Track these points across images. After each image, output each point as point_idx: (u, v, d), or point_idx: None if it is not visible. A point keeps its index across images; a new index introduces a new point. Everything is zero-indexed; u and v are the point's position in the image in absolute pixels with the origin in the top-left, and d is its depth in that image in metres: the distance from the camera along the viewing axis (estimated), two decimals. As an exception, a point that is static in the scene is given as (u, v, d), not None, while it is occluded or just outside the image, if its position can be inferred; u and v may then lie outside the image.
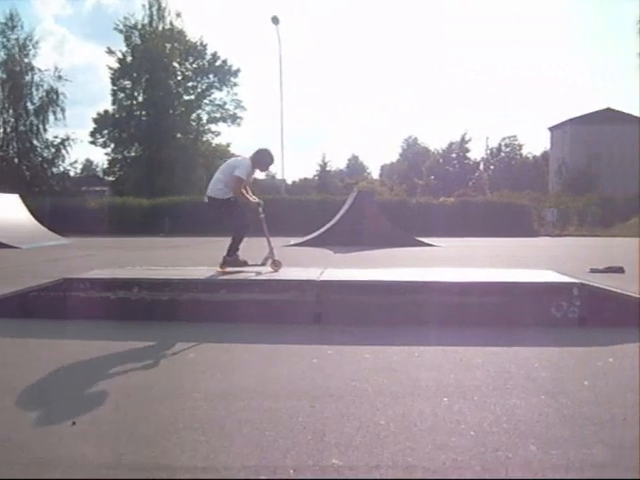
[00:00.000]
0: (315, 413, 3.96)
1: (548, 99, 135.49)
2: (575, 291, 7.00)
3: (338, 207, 27.09)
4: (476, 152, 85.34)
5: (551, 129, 76.93)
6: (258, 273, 8.02)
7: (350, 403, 4.19)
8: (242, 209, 8.65)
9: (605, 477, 2.97)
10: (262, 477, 3.04)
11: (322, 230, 25.16)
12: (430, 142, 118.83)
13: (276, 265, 8.52)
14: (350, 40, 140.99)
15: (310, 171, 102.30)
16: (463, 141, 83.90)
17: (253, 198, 8.76)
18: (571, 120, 70.72)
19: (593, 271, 12.73)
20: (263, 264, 8.59)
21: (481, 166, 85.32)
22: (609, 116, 67.23)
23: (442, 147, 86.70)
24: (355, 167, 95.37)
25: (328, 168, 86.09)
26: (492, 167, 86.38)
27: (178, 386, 4.67)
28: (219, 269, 8.44)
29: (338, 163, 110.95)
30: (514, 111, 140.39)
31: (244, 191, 8.61)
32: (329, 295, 7.18)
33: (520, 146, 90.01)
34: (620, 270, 13.05)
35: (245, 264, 8.67)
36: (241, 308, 7.10)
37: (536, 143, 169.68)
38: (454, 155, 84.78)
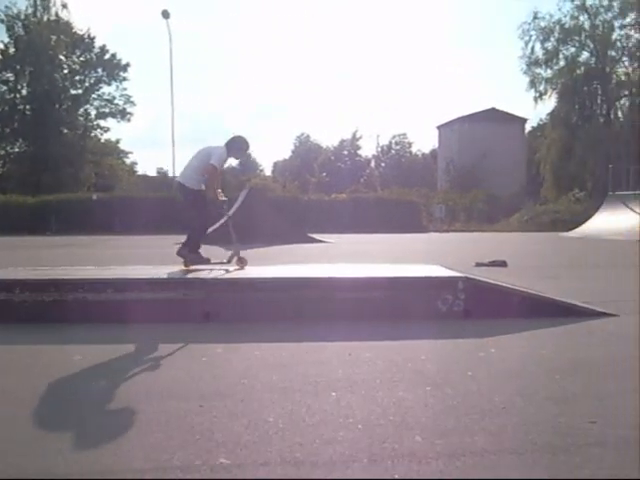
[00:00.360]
0: (204, 413, 3.92)
1: (437, 98, 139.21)
2: (460, 285, 7.21)
3: (230, 204, 26.91)
4: (367, 149, 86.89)
5: (439, 127, 79.00)
6: (226, 271, 7.95)
7: (239, 401, 4.16)
8: (207, 205, 8.48)
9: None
10: (147, 477, 2.99)
11: (213, 228, 24.91)
12: (322, 139, 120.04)
13: (242, 262, 8.51)
14: (241, 34, 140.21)
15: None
16: (354, 138, 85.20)
17: (220, 195, 8.59)
18: (458, 119, 72.85)
19: (478, 265, 13.18)
20: (229, 261, 8.52)
21: (372, 163, 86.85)
22: (494, 116, 69.67)
23: (334, 144, 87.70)
24: (247, 164, 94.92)
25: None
26: (383, 164, 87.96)
27: (62, 389, 4.54)
28: (184, 267, 8.25)
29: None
30: (404, 109, 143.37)
31: (215, 184, 8.48)
32: (218, 293, 7.13)
33: (410, 144, 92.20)
34: (503, 264, 13.58)
35: (208, 261, 8.53)
36: (129, 308, 6.92)
37: (425, 141, 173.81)
38: (346, 152, 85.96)
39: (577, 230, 31.16)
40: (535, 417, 3.87)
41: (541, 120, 63.21)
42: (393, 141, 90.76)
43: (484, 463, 3.17)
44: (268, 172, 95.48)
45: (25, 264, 11.16)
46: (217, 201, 8.57)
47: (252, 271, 8.49)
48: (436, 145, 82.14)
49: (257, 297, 7.14)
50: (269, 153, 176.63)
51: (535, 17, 47.47)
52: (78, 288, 7.05)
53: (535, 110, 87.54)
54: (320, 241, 23.56)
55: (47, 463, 3.16)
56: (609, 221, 29.61)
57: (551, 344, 6.03)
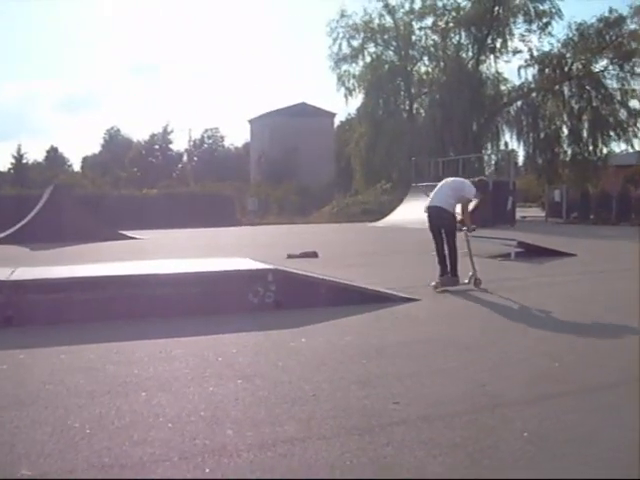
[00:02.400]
0: (3, 424, 3.71)
1: (248, 93, 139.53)
2: (270, 277, 7.32)
3: (37, 202, 25.62)
4: (179, 143, 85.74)
5: (251, 121, 79.41)
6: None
7: (43, 408, 3.99)
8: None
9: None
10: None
11: (16, 227, 23.62)
12: (133, 133, 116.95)
13: (477, 284, 8.98)
14: (45, 17, 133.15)
15: (4, 164, 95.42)
16: (166, 132, 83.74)
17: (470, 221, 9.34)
18: (269, 113, 73.59)
19: (290, 257, 13.41)
20: (469, 282, 8.98)
21: (185, 157, 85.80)
22: (304, 110, 71.06)
23: (145, 138, 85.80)
24: (55, 159, 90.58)
25: (25, 160, 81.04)
26: (196, 158, 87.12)
27: None
28: (438, 289, 8.83)
29: (36, 155, 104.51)
30: (215, 103, 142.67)
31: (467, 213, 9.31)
32: (21, 295, 6.74)
33: (222, 137, 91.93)
34: (314, 255, 13.92)
35: (458, 282, 9.04)
36: None
37: (237, 135, 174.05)
38: (157, 146, 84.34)
39: (384, 220, 32.49)
40: (343, 402, 4.03)
41: (349, 115, 65.12)
42: (205, 135, 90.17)
43: (294, 451, 3.25)
44: (77, 167, 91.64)
45: None
46: (469, 226, 9.27)
47: (59, 271, 8.14)
48: (248, 139, 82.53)
49: (66, 298, 6.84)
50: (78, 147, 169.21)
51: (343, 15, 48.74)
52: None
53: (347, 106, 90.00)
54: (132, 238, 22.96)
55: None
56: (412, 211, 31.13)
57: (359, 330, 6.28)
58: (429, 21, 47.37)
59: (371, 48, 49.48)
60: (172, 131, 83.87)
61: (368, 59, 49.24)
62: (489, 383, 4.43)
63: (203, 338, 5.99)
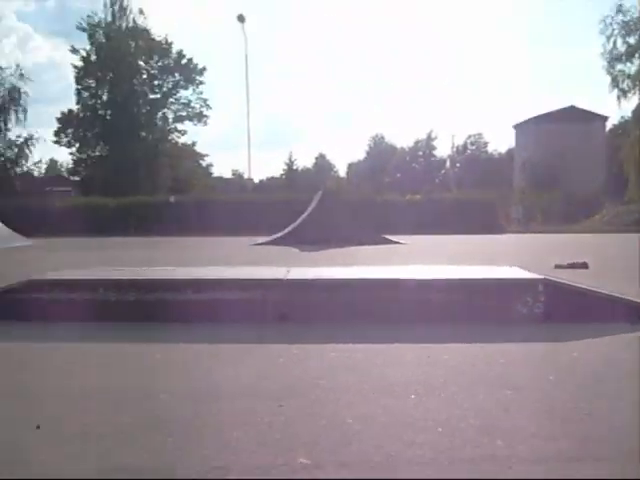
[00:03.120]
0: (282, 412, 3.94)
1: (513, 97, 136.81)
2: (540, 287, 7.06)
3: (305, 206, 27.07)
4: (442, 150, 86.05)
5: (515, 127, 77.67)
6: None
7: (316, 402, 4.17)
8: None
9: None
10: (231, 477, 3.02)
11: (289, 229, 25.15)
12: (397, 140, 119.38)
13: None
14: (316, 37, 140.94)
15: (277, 170, 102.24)
16: (429, 139, 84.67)
17: None
18: (535, 118, 71.50)
19: (558, 267, 12.87)
20: None
21: (447, 163, 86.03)
22: (573, 114, 68.08)
23: (408, 145, 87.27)
24: (322, 166, 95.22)
25: (295, 167, 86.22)
26: (458, 164, 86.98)
27: (144, 387, 4.62)
28: None
29: (305, 162, 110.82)
30: (480, 109, 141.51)
31: None
32: (295, 294, 7.16)
33: (485, 143, 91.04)
34: (584, 266, 13.23)
35: None
36: (207, 308, 7.04)
37: (501, 140, 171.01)
38: (420, 153, 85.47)
39: (662, 231, 30.19)
40: (621, 424, 3.76)
41: (623, 118, 61.18)
42: (468, 141, 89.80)
43: (568, 469, 3.09)
44: (342, 173, 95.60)
45: (107, 264, 11.46)
46: None
47: (328, 272, 8.51)
48: (512, 145, 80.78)
49: (332, 298, 7.14)
50: (343, 155, 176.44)
51: (619, 10, 45.86)
52: (158, 288, 7.20)
53: (620, 108, 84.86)
54: (395, 242, 23.44)
55: (138, 462, 3.23)
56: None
57: (635, 349, 5.84)
58: None
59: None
60: (436, 137, 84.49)
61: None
62: None
63: (470, 346, 5.91)
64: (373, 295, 7.16)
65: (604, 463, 3.18)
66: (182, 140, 67.74)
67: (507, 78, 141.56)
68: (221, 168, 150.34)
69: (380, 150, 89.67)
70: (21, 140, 54.21)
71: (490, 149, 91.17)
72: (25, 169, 55.65)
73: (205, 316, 6.95)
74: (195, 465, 3.16)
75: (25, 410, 4.10)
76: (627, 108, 72.00)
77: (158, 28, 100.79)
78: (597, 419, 3.82)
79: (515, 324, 6.85)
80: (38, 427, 3.69)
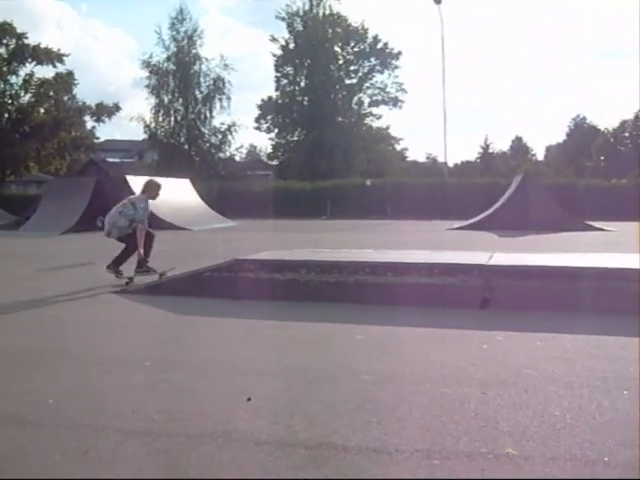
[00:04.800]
0: (487, 400, 3.88)
1: None
2: None
3: (501, 190, 26.41)
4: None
5: None
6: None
7: (522, 391, 4.07)
8: None
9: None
10: (435, 462, 3.02)
11: (486, 214, 24.66)
12: (599, 121, 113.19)
13: None
14: (514, 17, 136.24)
15: (472, 154, 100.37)
16: (637, 119, 79.30)
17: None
18: None
19: None
20: None
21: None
22: None
23: (613, 125, 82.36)
24: (519, 149, 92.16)
25: (491, 150, 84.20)
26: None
27: (347, 367, 4.72)
28: None
29: (501, 145, 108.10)
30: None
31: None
32: (497, 280, 7.01)
33: None
34: None
35: None
36: (407, 291, 7.07)
37: None
38: (627, 134, 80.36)
39: None
40: None
41: None
42: None
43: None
44: (540, 157, 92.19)
45: (305, 246, 11.81)
46: None
47: (530, 258, 8.25)
48: None
49: (535, 285, 6.92)
50: (542, 137, 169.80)
51: None
52: (359, 270, 7.32)
53: None
54: (599, 229, 22.27)
55: (338, 436, 3.32)
56: None
57: None
58: None
59: None
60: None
61: None
62: None
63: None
64: (581, 284, 6.82)
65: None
66: (377, 124, 68.28)
67: None
68: (415, 152, 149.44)
69: (581, 132, 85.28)
70: (225, 127, 56.85)
71: None
72: (228, 154, 58.38)
73: (404, 300, 6.97)
74: (399, 445, 3.19)
75: (236, 383, 4.33)
76: None
77: (354, 14, 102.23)
78: None
79: None
80: (249, 399, 3.88)
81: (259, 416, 3.64)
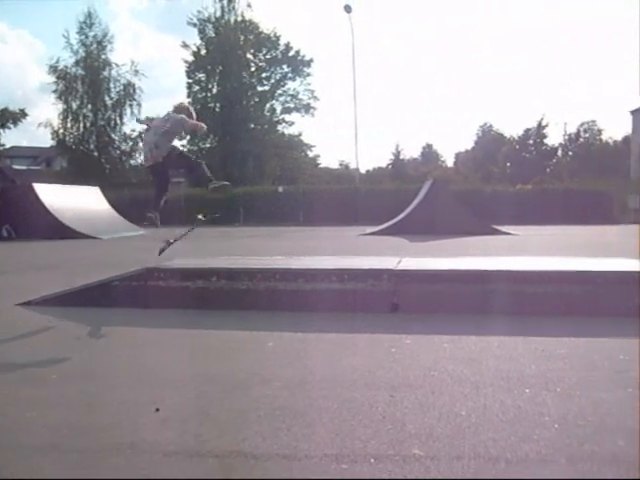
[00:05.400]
0: (395, 403, 3.94)
1: (630, 82, 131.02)
2: (662, 281, 6.76)
3: (412, 196, 26.95)
4: (554, 138, 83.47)
5: (633, 112, 74.46)
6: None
7: (429, 393, 4.15)
8: None
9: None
10: (343, 466, 3.05)
11: (397, 219, 25.08)
12: (506, 128, 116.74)
13: None
14: (423, 25, 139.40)
15: (384, 160, 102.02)
16: (540, 127, 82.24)
17: None
18: (654, 103, 68.33)
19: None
20: None
21: (559, 152, 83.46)
22: (694, 98, 64.74)
23: (518, 133, 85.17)
24: (429, 155, 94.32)
25: (402, 157, 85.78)
26: (570, 153, 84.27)
27: (258, 374, 4.71)
28: None
29: (412, 152, 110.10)
30: (593, 95, 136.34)
31: None
32: (406, 284, 7.14)
33: (600, 131, 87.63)
34: None
35: None
36: (318, 297, 7.11)
37: (617, 127, 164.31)
38: (531, 141, 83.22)
39: None
40: None
41: None
42: (581, 128, 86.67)
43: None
44: (450, 163, 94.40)
45: (217, 254, 11.73)
46: None
47: (438, 262, 8.44)
48: (629, 131, 77.51)
49: (445, 289, 7.08)
50: (451, 144, 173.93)
51: None
52: (270, 277, 7.32)
53: None
54: (505, 233, 22.99)
55: (248, 443, 3.31)
56: None
57: None
58: None
59: None
60: (547, 125, 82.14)
61: None
62: None
63: (587, 340, 5.71)
64: (485, 286, 7.03)
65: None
66: (290, 131, 68.64)
67: (623, 61, 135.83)
68: (328, 159, 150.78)
69: (488, 139, 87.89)
70: (136, 134, 56.13)
71: (605, 136, 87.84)
72: (139, 161, 57.53)
73: (315, 306, 7.02)
74: (309, 451, 3.21)
75: (145, 394, 4.27)
76: None
77: (266, 21, 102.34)
78: None
79: (636, 319, 6.58)
80: (157, 410, 3.83)
81: (167, 427, 3.59)
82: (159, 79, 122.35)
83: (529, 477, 2.93)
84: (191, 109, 8.85)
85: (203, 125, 8.83)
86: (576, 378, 4.49)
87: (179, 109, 8.72)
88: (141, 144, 55.58)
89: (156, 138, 8.28)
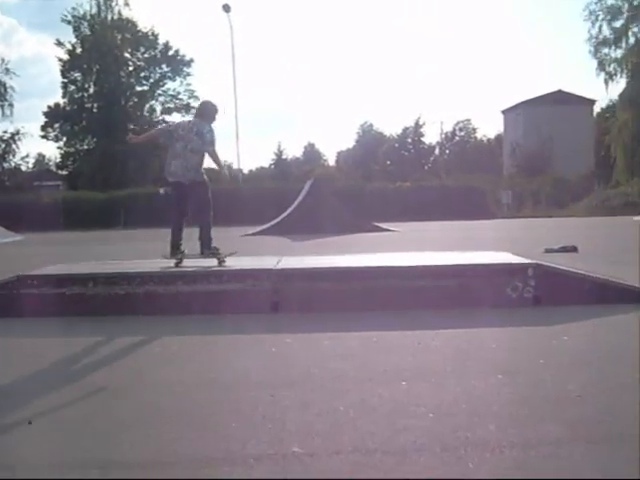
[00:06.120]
0: (275, 402, 3.95)
1: (501, 83, 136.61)
2: (530, 271, 7.09)
3: (295, 195, 27.06)
4: (431, 136, 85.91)
5: (504, 112, 77.69)
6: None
7: (309, 391, 4.18)
8: None
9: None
10: (225, 468, 3.02)
11: (279, 219, 25.14)
12: (385, 127, 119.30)
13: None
14: (303, 25, 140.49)
15: (266, 160, 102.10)
16: (417, 125, 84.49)
17: None
18: (524, 103, 71.52)
19: (548, 251, 12.92)
20: None
21: (436, 150, 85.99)
22: (561, 98, 68.16)
23: (397, 132, 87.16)
24: (311, 155, 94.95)
25: (284, 156, 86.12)
26: (447, 151, 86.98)
27: (138, 380, 4.62)
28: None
29: (294, 151, 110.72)
30: (468, 95, 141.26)
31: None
32: (286, 283, 7.16)
33: (474, 129, 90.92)
34: (574, 249, 13.29)
35: None
36: (198, 300, 7.04)
37: (490, 126, 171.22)
38: (409, 140, 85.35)
39: (651, 213, 30.33)
40: (610, 405, 3.79)
41: (611, 101, 61.16)
42: (457, 127, 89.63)
43: (559, 453, 3.11)
44: (332, 162, 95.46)
45: (97, 258, 11.41)
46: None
47: (319, 261, 8.52)
48: (501, 130, 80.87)
49: (324, 287, 7.15)
50: (333, 143, 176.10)
51: (602, -3, 46.18)
52: (148, 281, 7.18)
53: (607, 92, 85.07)
54: (386, 230, 23.47)
55: (125, 452, 3.24)
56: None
57: (624, 331, 5.89)
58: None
59: (635, 28, 46.25)
60: (424, 124, 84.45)
61: (632, 40, 46.06)
62: None
63: (460, 331, 5.94)
64: (364, 283, 7.17)
65: (595, 445, 3.20)
66: (170, 132, 67.64)
67: (494, 63, 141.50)
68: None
69: (369, 138, 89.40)
70: (8, 135, 54.09)
71: (479, 135, 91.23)
72: (12, 164, 55.47)
73: (197, 308, 6.95)
74: (192, 455, 3.17)
75: (18, 407, 4.10)
76: (614, 91, 71.94)
77: (144, 20, 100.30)
78: (587, 402, 3.84)
79: (506, 309, 6.88)
80: (30, 422, 3.68)
81: (45, 439, 3.46)
82: (34, 78, 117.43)
83: (406, 467, 3.00)
84: (217, 107, 8.44)
85: (225, 173, 8.72)
86: (450, 368, 4.65)
87: (206, 110, 8.34)
88: (14, 146, 53.48)
89: (195, 159, 7.99)
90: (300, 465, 3.03)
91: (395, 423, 3.52)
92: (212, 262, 7.95)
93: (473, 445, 3.19)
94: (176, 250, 8.06)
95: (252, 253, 11.64)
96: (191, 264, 7.94)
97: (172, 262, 8.00)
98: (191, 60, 65.67)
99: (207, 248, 8.10)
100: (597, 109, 72.33)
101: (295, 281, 7.22)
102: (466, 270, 7.31)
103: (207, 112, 8.30)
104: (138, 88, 64.23)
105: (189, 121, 8.39)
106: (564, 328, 5.99)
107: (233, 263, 7.95)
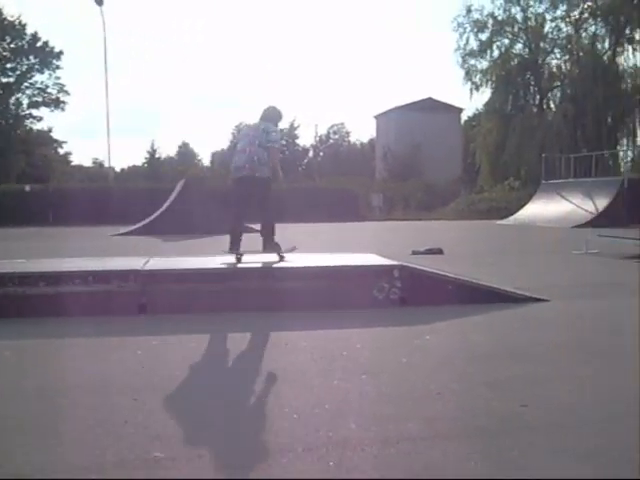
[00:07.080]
0: (138, 406, 3.88)
1: (374, 89, 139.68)
2: (396, 273, 7.29)
3: (167, 195, 26.60)
4: (305, 139, 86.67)
5: (377, 117, 79.38)
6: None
7: (174, 394, 4.14)
8: None
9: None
10: (93, 477, 2.94)
11: (150, 218, 24.64)
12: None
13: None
14: (178, 22, 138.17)
15: (139, 159, 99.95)
16: (292, 127, 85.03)
17: None
18: (396, 108, 73.27)
19: (414, 253, 13.32)
20: None
21: (311, 152, 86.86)
22: (430, 105, 70.31)
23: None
24: (186, 154, 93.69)
25: (158, 155, 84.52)
26: (322, 153, 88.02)
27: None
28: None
29: (168, 150, 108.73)
30: (342, 99, 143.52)
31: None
32: (154, 284, 7.04)
33: (348, 133, 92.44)
34: (439, 251, 13.77)
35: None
36: (63, 301, 6.77)
37: (363, 130, 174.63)
38: (283, 142, 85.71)
39: (511, 218, 31.75)
40: (469, 402, 3.96)
41: (477, 110, 63.80)
42: (331, 130, 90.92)
43: (418, 449, 3.22)
44: (207, 162, 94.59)
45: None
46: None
47: (185, 262, 8.43)
48: (374, 135, 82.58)
49: (195, 288, 7.09)
50: (207, 143, 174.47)
51: (469, 10, 48.25)
52: (7, 282, 6.86)
53: (472, 101, 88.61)
54: (258, 231, 23.43)
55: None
56: (542, 209, 30.33)
57: (485, 330, 6.15)
58: (561, 11, 46.09)
59: (500, 41, 48.57)
60: (299, 126, 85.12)
61: (496, 53, 48.35)
62: (624, 392, 4.22)
63: (328, 332, 6.03)
64: (233, 284, 7.16)
65: (452, 441, 3.33)
66: (38, 127, 64.94)
67: (368, 69, 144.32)
68: (81, 156, 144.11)
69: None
70: None
71: (352, 139, 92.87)
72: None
73: (61, 310, 6.68)
74: (44, 463, 3.06)
75: None
76: (479, 101, 75.08)
77: (10, 8, 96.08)
78: (446, 399, 3.99)
79: (373, 309, 7.04)
80: None
81: None
82: None
83: (269, 468, 3.02)
84: (282, 113, 8.77)
85: (280, 174, 8.59)
86: (316, 369, 4.72)
87: (272, 115, 8.65)
88: None
89: (263, 154, 8.24)
90: (162, 469, 2.99)
91: (257, 425, 3.55)
92: (78, 262, 7.71)
93: (334, 444, 3.25)
94: (237, 245, 8.29)
95: (121, 253, 11.37)
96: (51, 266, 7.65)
97: (232, 257, 8.20)
98: (61, 52, 63.25)
99: (269, 243, 8.43)
100: (464, 117, 75.27)
101: (163, 282, 7.10)
102: (334, 272, 7.43)
103: (273, 117, 8.69)
104: (3, 79, 61.29)
105: (256, 122, 8.69)
106: (427, 328, 6.20)
107: (99, 264, 7.73)
